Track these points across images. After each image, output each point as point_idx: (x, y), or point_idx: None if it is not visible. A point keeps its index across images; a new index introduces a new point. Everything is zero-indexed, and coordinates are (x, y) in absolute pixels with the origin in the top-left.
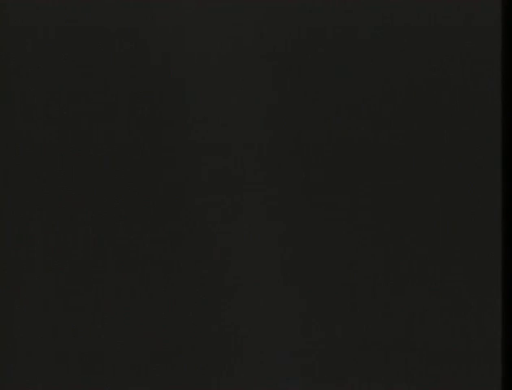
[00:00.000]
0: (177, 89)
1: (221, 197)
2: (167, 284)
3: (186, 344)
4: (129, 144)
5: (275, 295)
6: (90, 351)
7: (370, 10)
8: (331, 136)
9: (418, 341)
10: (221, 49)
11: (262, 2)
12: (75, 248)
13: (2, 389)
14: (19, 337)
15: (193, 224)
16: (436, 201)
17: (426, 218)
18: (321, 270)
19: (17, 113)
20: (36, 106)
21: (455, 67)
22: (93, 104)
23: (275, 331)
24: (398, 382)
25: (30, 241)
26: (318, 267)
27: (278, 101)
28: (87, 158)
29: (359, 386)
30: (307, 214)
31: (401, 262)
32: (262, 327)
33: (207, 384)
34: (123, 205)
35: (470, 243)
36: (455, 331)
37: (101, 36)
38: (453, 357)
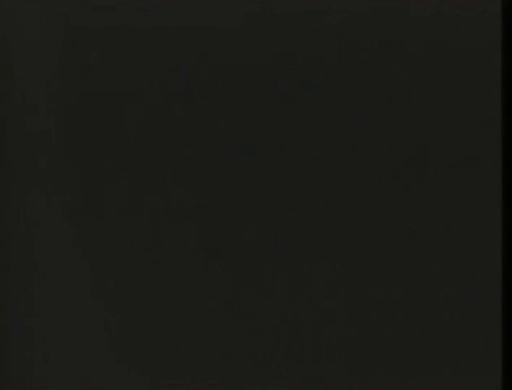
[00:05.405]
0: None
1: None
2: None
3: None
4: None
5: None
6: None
7: (370, 10)
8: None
9: (417, 341)
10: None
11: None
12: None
13: (1, 389)
14: (19, 336)
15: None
16: (435, 200)
17: (426, 219)
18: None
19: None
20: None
21: (455, 67)
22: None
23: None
24: (398, 381)
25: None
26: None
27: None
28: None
29: (358, 385)
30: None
31: (401, 262)
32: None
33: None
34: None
35: (471, 243)
36: (455, 331)
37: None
38: (453, 357)
